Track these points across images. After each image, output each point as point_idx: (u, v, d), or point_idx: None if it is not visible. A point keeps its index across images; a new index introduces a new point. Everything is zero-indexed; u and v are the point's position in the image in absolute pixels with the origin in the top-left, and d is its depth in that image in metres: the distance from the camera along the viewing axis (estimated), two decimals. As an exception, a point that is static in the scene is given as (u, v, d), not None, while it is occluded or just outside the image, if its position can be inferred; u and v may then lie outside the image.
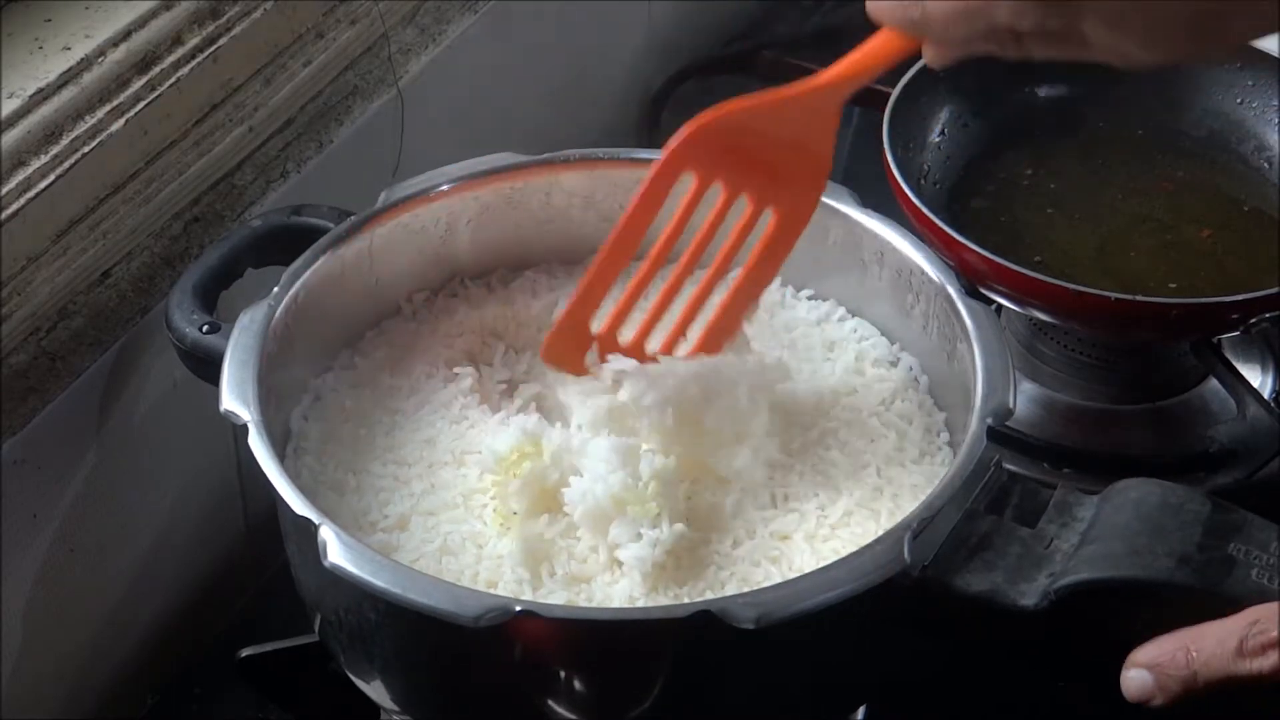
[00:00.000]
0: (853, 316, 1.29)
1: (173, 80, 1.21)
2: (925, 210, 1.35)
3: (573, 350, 1.16)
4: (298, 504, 1.03)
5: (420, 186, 1.26)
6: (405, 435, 1.19)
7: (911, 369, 1.24)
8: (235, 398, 1.09)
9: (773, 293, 1.28)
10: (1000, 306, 1.34)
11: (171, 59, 1.21)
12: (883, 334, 1.27)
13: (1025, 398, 1.44)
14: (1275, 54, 1.45)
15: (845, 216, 1.25)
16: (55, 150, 1.14)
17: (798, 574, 1.06)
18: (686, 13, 1.87)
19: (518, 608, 0.97)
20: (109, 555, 1.28)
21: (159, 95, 1.20)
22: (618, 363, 1.14)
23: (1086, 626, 1.01)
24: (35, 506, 1.20)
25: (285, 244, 1.22)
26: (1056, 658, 1.11)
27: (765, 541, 1.11)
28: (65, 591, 1.24)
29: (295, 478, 1.08)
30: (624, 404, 1.13)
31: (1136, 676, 0.97)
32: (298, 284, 1.18)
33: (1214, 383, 1.43)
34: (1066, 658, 1.09)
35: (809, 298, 1.30)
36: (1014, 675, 1.28)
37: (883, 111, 1.45)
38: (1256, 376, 1.46)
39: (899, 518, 1.10)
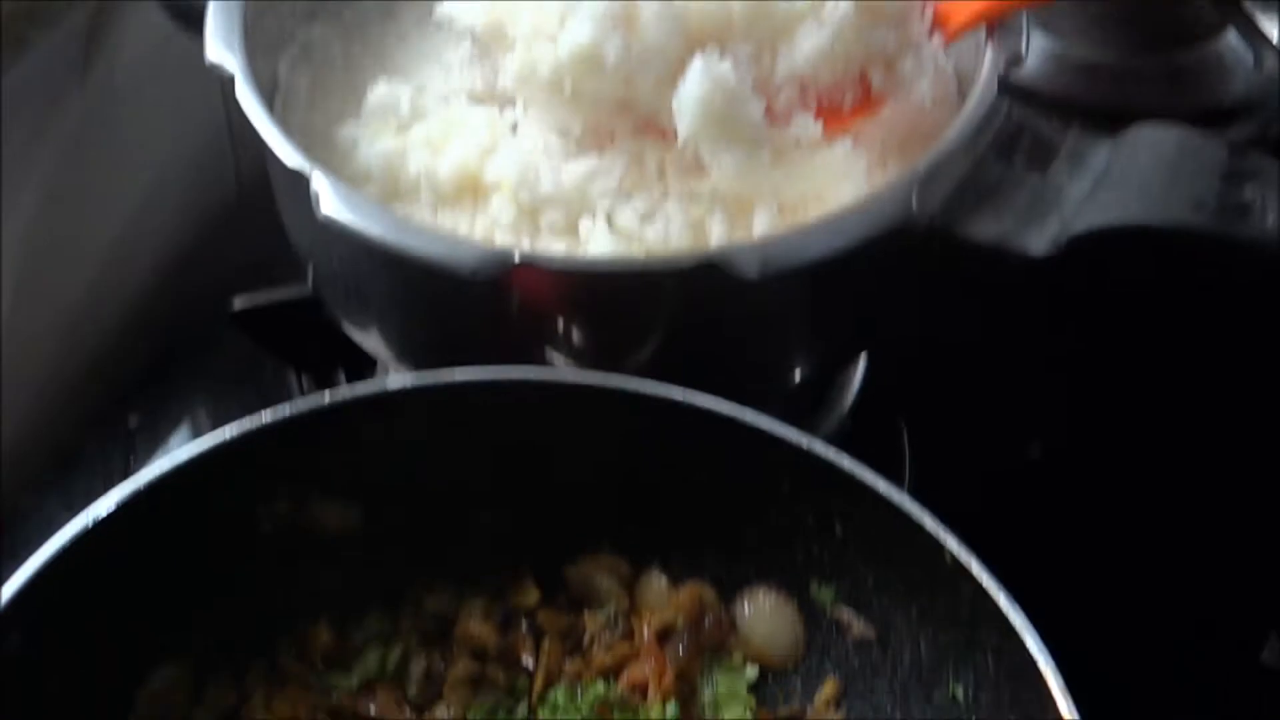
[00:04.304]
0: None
1: None
2: None
3: None
4: (289, 155, 1.01)
5: None
6: (396, 85, 1.15)
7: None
8: (221, 45, 1.06)
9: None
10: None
11: None
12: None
13: (1036, 51, 1.40)
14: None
15: None
16: None
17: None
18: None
19: (517, 258, 0.95)
20: (97, 210, 1.27)
21: None
22: None
23: (1096, 276, 0.99)
24: (15, 157, 1.17)
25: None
26: (1064, 309, 1.10)
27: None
28: (53, 246, 1.23)
29: (285, 129, 1.05)
30: None
31: None
32: (281, -76, 1.14)
33: (1231, 35, 1.40)
34: (1073, 309, 1.08)
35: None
36: (1016, 326, 1.29)
37: None
38: (1275, 30, 1.43)
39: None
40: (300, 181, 1.00)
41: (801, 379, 1.12)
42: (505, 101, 1.12)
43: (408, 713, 1.00)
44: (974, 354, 1.30)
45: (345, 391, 0.99)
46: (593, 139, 1.09)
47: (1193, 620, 1.15)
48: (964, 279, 1.02)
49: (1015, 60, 1.06)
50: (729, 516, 1.02)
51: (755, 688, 1.02)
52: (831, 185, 1.07)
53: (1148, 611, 1.15)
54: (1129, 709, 1.06)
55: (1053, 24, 1.41)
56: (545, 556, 1.05)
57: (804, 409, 1.23)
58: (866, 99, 1.08)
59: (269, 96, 1.12)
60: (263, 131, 1.02)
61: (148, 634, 0.97)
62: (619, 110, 1.07)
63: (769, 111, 1.06)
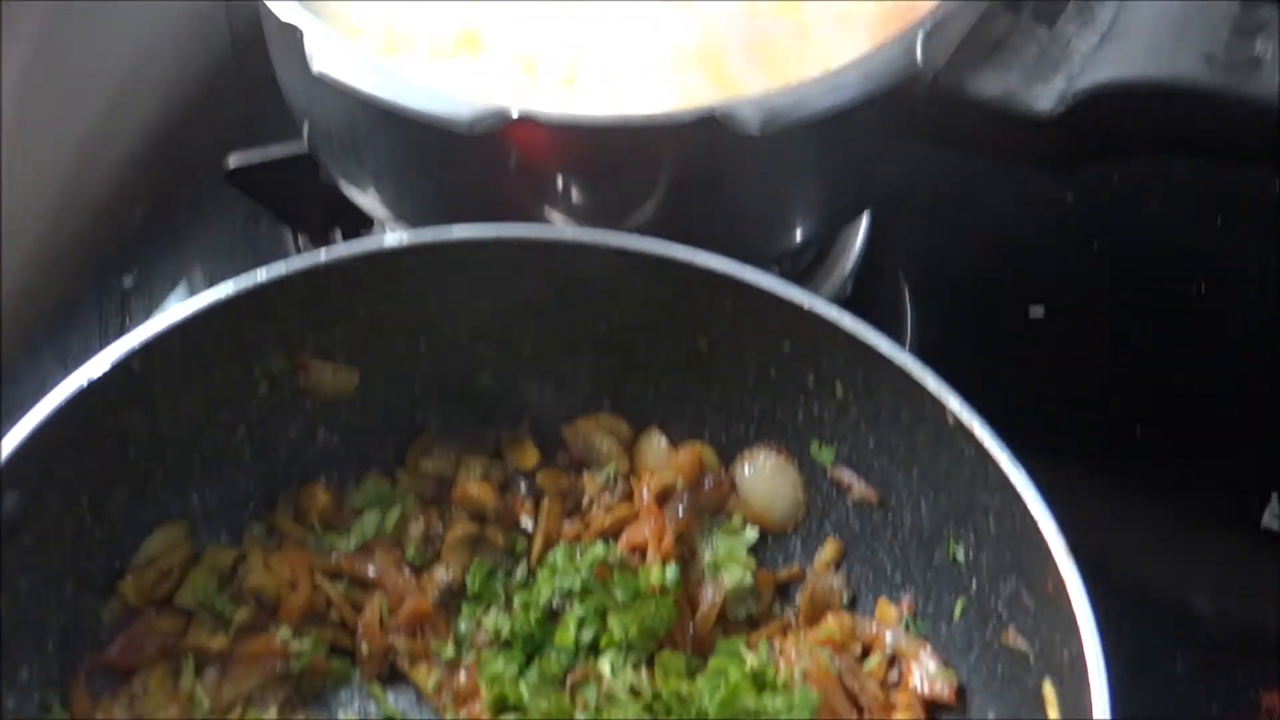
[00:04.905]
0: None
1: None
2: None
3: None
4: (282, 8, 0.99)
5: None
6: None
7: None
8: (212, -106, 1.04)
9: None
10: None
11: None
12: None
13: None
14: None
15: None
16: None
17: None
18: None
19: (515, 113, 0.93)
20: (89, 65, 1.24)
21: None
22: None
23: (1102, 133, 0.97)
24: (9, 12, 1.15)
25: None
26: (1068, 165, 1.08)
27: None
28: (46, 102, 1.21)
29: (278, -19, 1.03)
30: None
31: None
32: None
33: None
34: (1078, 164, 1.06)
35: None
36: (1019, 183, 1.27)
37: None
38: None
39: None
40: (294, 36, 0.98)
41: (804, 238, 1.10)
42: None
43: (406, 574, 1.00)
44: (977, 213, 1.29)
45: (341, 249, 0.98)
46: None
47: (1193, 483, 1.14)
48: (968, 136, 1.01)
49: (1023, -90, 1.04)
50: (729, 376, 1.01)
51: (755, 550, 1.02)
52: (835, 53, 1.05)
53: (1149, 474, 1.15)
54: (1129, 571, 1.06)
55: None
56: (544, 417, 1.05)
57: (806, 268, 1.22)
58: None
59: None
60: (255, -17, 1.00)
61: (145, 494, 0.97)
62: None
63: None
